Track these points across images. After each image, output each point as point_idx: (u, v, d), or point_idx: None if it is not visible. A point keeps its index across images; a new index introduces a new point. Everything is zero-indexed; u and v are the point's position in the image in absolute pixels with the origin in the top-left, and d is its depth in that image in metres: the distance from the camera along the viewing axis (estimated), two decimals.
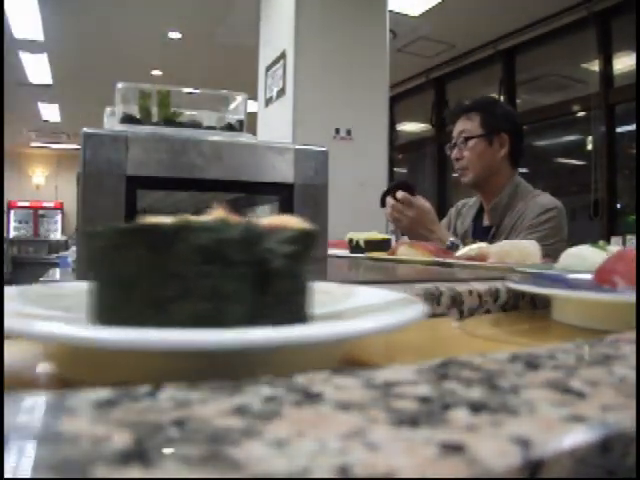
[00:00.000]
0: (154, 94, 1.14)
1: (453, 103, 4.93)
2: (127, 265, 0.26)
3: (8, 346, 0.26)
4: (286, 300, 0.27)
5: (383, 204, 1.49)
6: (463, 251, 1.04)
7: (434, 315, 0.52)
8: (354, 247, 1.34)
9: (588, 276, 0.53)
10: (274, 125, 2.89)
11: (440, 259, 0.98)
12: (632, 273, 0.46)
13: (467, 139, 1.52)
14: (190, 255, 0.25)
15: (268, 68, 3.00)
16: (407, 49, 4.41)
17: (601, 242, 0.73)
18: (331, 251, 1.42)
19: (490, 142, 1.51)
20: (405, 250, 1.10)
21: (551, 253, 1.39)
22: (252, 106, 2.31)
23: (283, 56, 2.79)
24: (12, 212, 9.41)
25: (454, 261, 0.97)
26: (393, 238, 1.61)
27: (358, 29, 2.80)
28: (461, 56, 4.67)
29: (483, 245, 1.03)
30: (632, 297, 0.40)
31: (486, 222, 1.57)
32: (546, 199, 1.50)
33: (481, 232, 1.54)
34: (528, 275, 0.66)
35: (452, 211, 1.75)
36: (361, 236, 1.35)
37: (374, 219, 2.37)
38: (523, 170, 4.26)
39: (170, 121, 1.14)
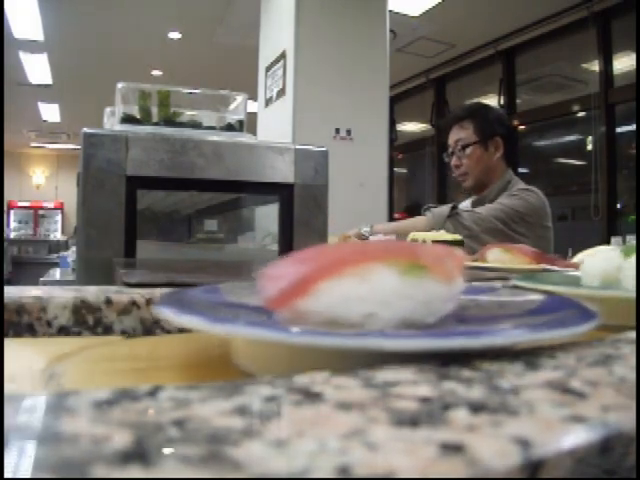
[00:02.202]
0: (154, 94, 1.15)
1: (453, 103, 4.93)
2: None
3: None
4: None
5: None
6: (579, 257, 0.84)
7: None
8: None
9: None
10: (274, 125, 2.89)
11: (545, 266, 0.80)
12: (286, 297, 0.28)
13: (464, 147, 1.61)
14: None
15: (268, 68, 3.00)
16: (407, 49, 4.41)
17: None
18: None
19: (486, 147, 1.60)
20: (498, 255, 0.92)
21: (508, 221, 1.44)
22: (252, 106, 2.30)
23: (283, 56, 2.79)
24: (12, 212, 9.42)
25: (563, 270, 0.77)
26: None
27: (358, 29, 2.80)
28: (461, 56, 4.68)
29: (602, 249, 0.82)
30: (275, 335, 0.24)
31: None
32: (524, 186, 1.59)
33: None
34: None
35: None
36: (428, 236, 1.16)
37: (374, 219, 2.36)
38: (523, 170, 4.27)
39: (170, 121, 1.14)
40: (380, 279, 0.27)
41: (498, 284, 0.57)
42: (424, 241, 1.13)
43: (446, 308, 0.29)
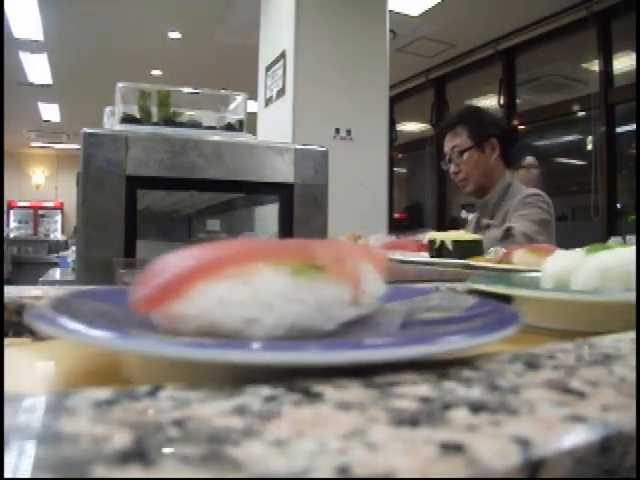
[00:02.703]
0: (154, 94, 1.15)
1: (453, 103, 4.93)
2: None
3: None
4: None
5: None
6: None
7: None
8: (438, 250, 1.09)
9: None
10: (274, 125, 2.89)
11: None
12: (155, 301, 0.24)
13: (461, 153, 1.61)
14: None
15: (268, 68, 3.00)
16: (407, 49, 4.41)
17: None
18: (400, 256, 1.15)
19: (482, 150, 1.60)
20: (524, 256, 0.86)
21: (541, 231, 1.45)
22: (252, 106, 2.30)
23: (283, 56, 2.79)
24: (12, 212, 9.42)
25: None
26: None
27: (358, 29, 2.80)
28: (461, 56, 4.68)
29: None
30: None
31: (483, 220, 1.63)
32: (530, 191, 1.59)
33: (482, 229, 1.60)
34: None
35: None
36: (447, 236, 1.10)
37: (374, 219, 2.36)
38: None
39: (170, 121, 1.14)
40: (264, 280, 0.24)
41: (430, 286, 0.55)
42: (442, 242, 1.09)
43: (348, 314, 0.26)
